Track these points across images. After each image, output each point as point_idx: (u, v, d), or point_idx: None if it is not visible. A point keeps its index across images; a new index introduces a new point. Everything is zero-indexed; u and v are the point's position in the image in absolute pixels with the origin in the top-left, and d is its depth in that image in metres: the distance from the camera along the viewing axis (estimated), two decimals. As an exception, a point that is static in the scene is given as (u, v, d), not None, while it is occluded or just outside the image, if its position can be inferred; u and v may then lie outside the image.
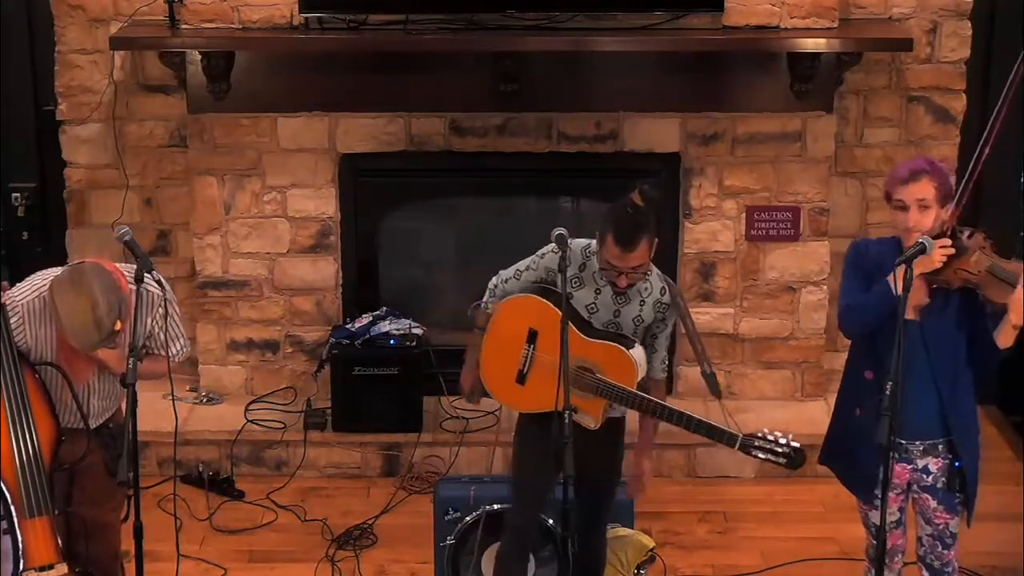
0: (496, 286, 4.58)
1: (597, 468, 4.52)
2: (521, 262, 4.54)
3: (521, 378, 4.49)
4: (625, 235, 4.18)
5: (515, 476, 4.67)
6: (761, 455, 4.26)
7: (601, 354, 4.35)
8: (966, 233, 4.09)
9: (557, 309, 4.26)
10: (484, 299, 4.61)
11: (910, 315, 4.05)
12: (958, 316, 4.12)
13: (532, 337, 4.46)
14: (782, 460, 4.24)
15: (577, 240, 4.43)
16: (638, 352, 4.38)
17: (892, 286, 4.03)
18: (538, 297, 4.45)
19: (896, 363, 3.89)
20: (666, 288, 4.43)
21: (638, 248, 4.19)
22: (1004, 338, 4.03)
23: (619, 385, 4.33)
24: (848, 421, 4.31)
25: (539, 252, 4.48)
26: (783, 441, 4.24)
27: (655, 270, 4.42)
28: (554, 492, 4.53)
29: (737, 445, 4.26)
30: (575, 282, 4.40)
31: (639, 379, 4.36)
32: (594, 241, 4.37)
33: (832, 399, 6.32)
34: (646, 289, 4.40)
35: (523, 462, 4.62)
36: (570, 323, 4.26)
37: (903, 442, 4.21)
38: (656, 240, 4.27)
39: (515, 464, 4.69)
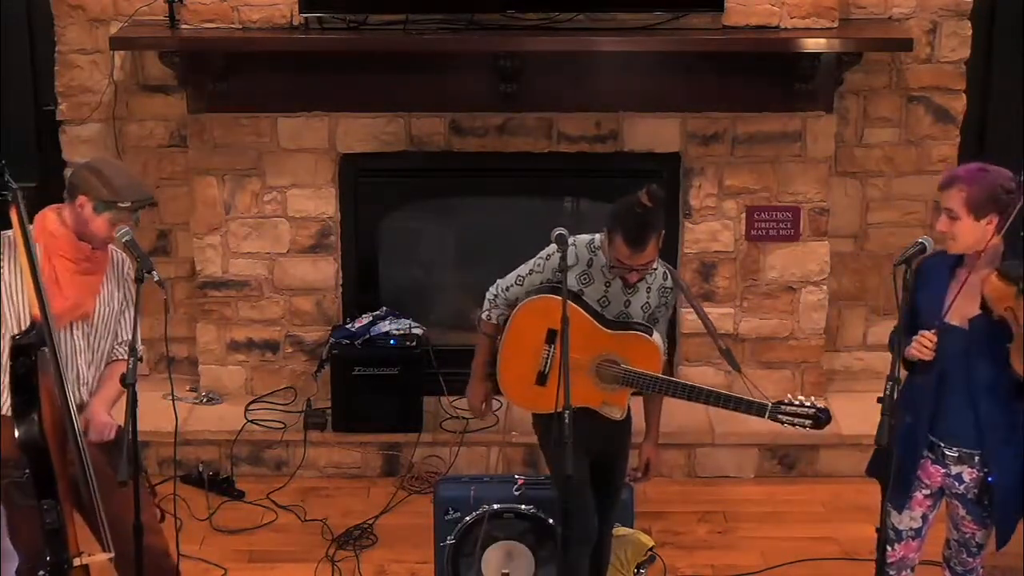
0: (496, 295, 4.60)
1: (610, 459, 4.59)
2: (522, 267, 4.56)
3: (542, 379, 4.53)
4: (635, 236, 4.25)
5: (557, 473, 4.64)
6: (788, 420, 4.34)
7: (624, 344, 4.41)
8: None
9: (574, 305, 4.33)
10: (485, 310, 4.62)
11: (956, 321, 4.06)
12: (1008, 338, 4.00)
13: (551, 337, 4.48)
14: (809, 422, 4.33)
15: (580, 237, 4.48)
16: (657, 337, 4.46)
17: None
18: (552, 296, 4.44)
19: (894, 365, 3.89)
20: (667, 273, 4.51)
21: (648, 247, 4.26)
22: None
23: (646, 372, 4.40)
24: (899, 427, 4.24)
25: (543, 254, 4.50)
26: (808, 404, 4.33)
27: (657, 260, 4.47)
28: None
29: (767, 414, 4.35)
30: (584, 278, 4.45)
31: (662, 363, 4.44)
32: (598, 236, 4.42)
33: (832, 399, 6.41)
34: (651, 276, 4.47)
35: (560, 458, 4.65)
36: (589, 317, 4.37)
37: (941, 444, 4.19)
38: (663, 232, 4.35)
39: (552, 463, 4.68)
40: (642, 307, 4.47)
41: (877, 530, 4.14)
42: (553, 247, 4.38)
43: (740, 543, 5.62)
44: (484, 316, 4.62)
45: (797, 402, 4.35)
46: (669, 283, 4.49)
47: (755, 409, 4.37)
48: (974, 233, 4.01)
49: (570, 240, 4.39)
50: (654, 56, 6.00)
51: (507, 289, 4.56)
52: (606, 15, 5.92)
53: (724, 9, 5.91)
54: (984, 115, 6.48)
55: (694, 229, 6.27)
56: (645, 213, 4.24)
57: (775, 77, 6.06)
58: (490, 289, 4.62)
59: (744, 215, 6.23)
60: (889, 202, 6.40)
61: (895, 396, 3.86)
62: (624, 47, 5.90)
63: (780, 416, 4.35)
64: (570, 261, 4.37)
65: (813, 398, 4.39)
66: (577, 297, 4.40)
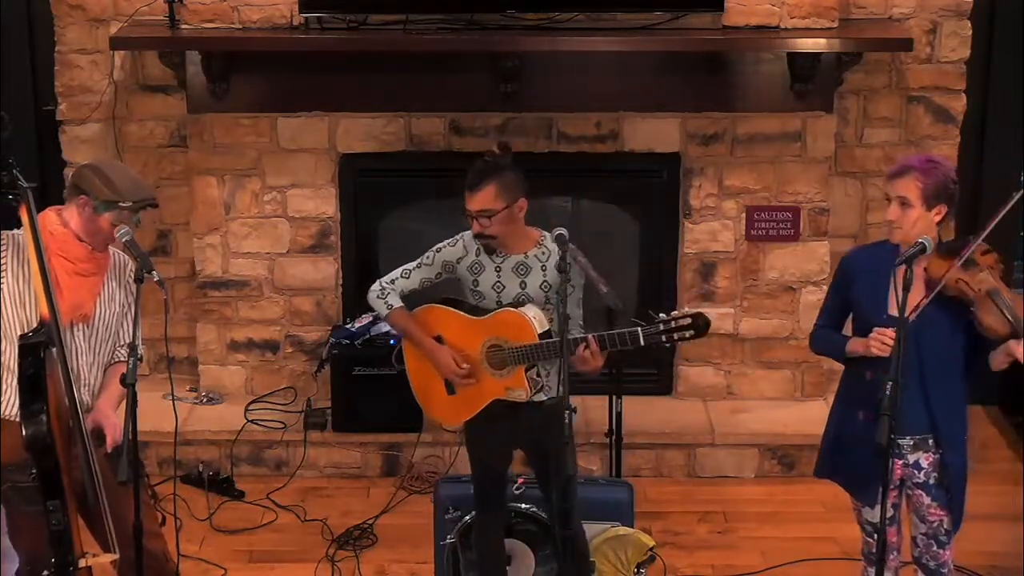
0: (383, 288, 4.56)
1: (543, 450, 4.54)
2: (407, 264, 4.59)
3: (450, 388, 4.58)
4: (469, 179, 4.38)
5: (474, 472, 4.73)
6: (667, 339, 4.25)
7: (498, 325, 4.44)
8: (981, 248, 4.06)
9: (445, 308, 4.52)
10: (378, 309, 4.58)
11: (908, 313, 4.07)
12: (954, 320, 4.11)
13: (440, 342, 4.55)
14: (689, 332, 4.23)
15: (463, 234, 4.55)
16: (530, 309, 4.44)
17: (844, 353, 4.23)
18: (431, 305, 4.58)
19: (895, 364, 3.90)
20: (561, 251, 4.47)
21: (481, 190, 4.35)
22: (996, 364, 4.10)
23: (525, 344, 4.40)
24: (850, 424, 4.29)
25: (435, 247, 4.58)
26: (681, 314, 4.25)
27: (548, 237, 4.51)
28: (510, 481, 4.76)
29: (642, 339, 4.27)
30: (475, 268, 4.52)
31: (539, 331, 4.40)
32: None
33: (832, 399, 6.40)
34: (544, 254, 4.50)
35: (478, 456, 4.69)
36: (462, 313, 4.50)
37: (895, 437, 4.21)
38: (519, 197, 4.41)
39: (472, 459, 4.73)
40: (541, 286, 4.48)
41: (877, 530, 4.16)
42: (447, 241, 4.53)
43: (740, 543, 5.62)
44: (384, 311, 4.56)
45: (669, 317, 4.23)
46: (566, 259, 4.48)
47: (629, 339, 4.27)
48: (923, 222, 4.08)
49: (457, 236, 4.53)
50: (654, 56, 6.01)
51: (392, 282, 4.57)
52: (606, 15, 5.92)
53: (724, 9, 5.91)
54: (984, 115, 6.49)
55: (694, 229, 6.27)
56: (485, 161, 4.39)
57: (775, 77, 6.06)
58: (371, 289, 4.59)
59: (744, 215, 6.23)
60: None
61: (897, 396, 3.87)
62: (624, 47, 5.91)
63: (659, 336, 4.23)
64: (459, 254, 4.51)
65: (686, 308, 4.29)
66: (450, 301, 4.55)
